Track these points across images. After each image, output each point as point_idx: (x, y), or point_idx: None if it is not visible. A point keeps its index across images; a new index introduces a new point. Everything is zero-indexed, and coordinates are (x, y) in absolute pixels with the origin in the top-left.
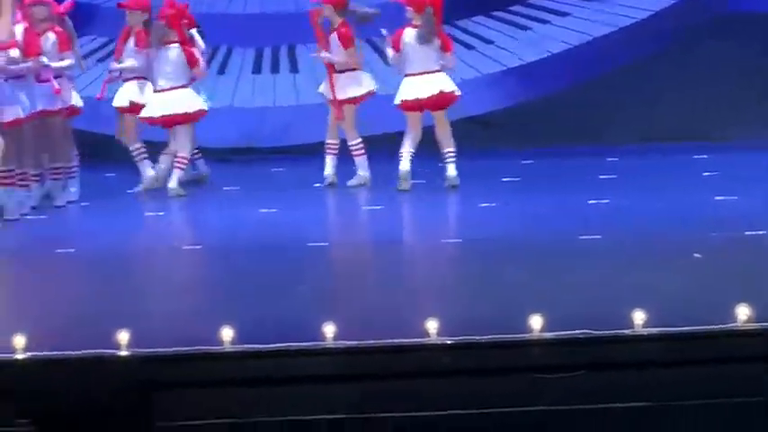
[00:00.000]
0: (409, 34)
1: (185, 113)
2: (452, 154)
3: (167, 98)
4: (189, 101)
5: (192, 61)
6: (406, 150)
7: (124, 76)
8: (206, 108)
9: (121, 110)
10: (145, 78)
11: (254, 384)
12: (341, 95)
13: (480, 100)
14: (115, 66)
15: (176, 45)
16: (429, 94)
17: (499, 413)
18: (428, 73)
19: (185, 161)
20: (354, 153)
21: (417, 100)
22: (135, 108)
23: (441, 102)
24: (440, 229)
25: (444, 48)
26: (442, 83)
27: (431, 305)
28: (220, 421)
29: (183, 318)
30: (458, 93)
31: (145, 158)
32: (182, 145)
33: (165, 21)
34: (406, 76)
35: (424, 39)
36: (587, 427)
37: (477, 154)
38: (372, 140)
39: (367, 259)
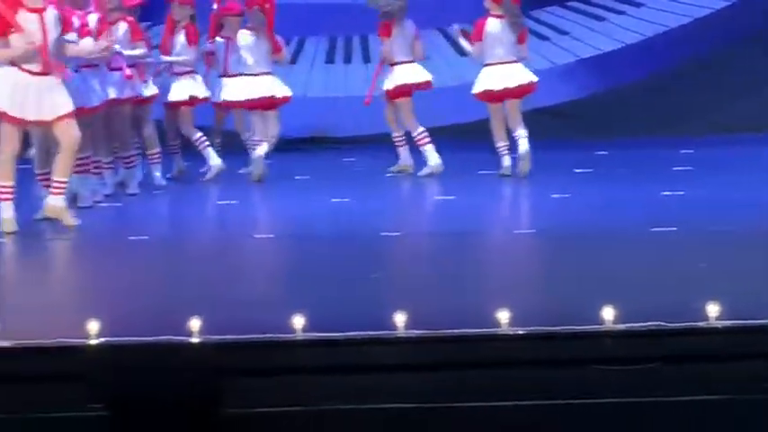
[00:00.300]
0: (492, 24)
1: (272, 97)
2: (526, 135)
3: (254, 83)
4: (277, 86)
5: (276, 48)
6: (502, 141)
7: (174, 70)
8: (290, 95)
9: (180, 104)
10: (196, 72)
11: (325, 373)
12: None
13: (554, 91)
14: (166, 59)
15: (262, 32)
16: (510, 85)
17: (569, 405)
18: (507, 63)
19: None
20: (420, 143)
21: (497, 90)
22: (193, 101)
23: (520, 92)
24: (513, 219)
25: (520, 39)
26: (521, 73)
27: (503, 296)
28: (290, 409)
29: (255, 305)
30: (536, 82)
31: (208, 146)
32: (271, 129)
33: (260, 9)
34: (486, 65)
35: (514, 28)
36: (659, 420)
37: (551, 145)
38: (446, 130)
39: (439, 249)
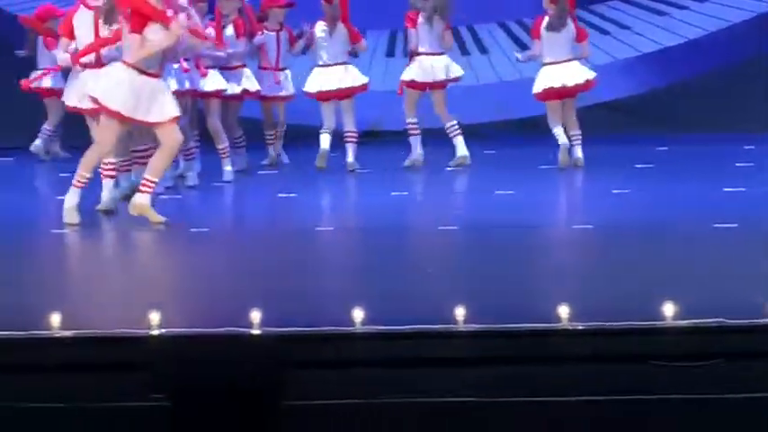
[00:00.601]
0: (548, 23)
1: (352, 87)
2: (579, 136)
3: (333, 73)
4: (356, 76)
5: (355, 37)
6: (562, 136)
7: (223, 64)
8: (367, 83)
9: (231, 98)
10: (245, 65)
11: (383, 366)
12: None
13: (615, 85)
14: (221, 54)
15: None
16: (567, 83)
17: (627, 401)
18: (565, 62)
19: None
20: (451, 134)
21: (556, 88)
22: (244, 95)
23: (575, 90)
24: (572, 214)
25: (579, 38)
26: (578, 71)
27: (562, 290)
28: (348, 401)
29: (315, 298)
30: (593, 79)
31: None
32: (353, 120)
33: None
34: (545, 65)
35: (552, 26)
36: (719, 417)
37: (611, 140)
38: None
39: (498, 243)
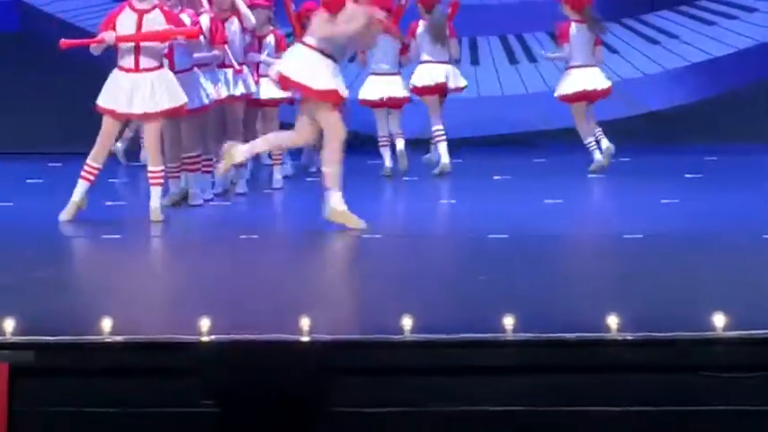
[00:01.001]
0: (573, 29)
1: (404, 97)
2: (601, 133)
3: (385, 82)
4: (402, 86)
5: (403, 48)
6: (589, 140)
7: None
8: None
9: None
10: None
11: (432, 374)
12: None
13: (664, 95)
14: (263, 59)
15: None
16: (588, 88)
17: (677, 411)
18: (587, 66)
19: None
20: (436, 140)
21: (580, 92)
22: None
23: (595, 96)
24: (621, 223)
25: (595, 42)
26: (598, 78)
27: (611, 300)
28: (396, 409)
29: (364, 305)
30: (609, 87)
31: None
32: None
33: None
34: (567, 68)
35: (594, 32)
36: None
37: (660, 149)
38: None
39: (547, 252)
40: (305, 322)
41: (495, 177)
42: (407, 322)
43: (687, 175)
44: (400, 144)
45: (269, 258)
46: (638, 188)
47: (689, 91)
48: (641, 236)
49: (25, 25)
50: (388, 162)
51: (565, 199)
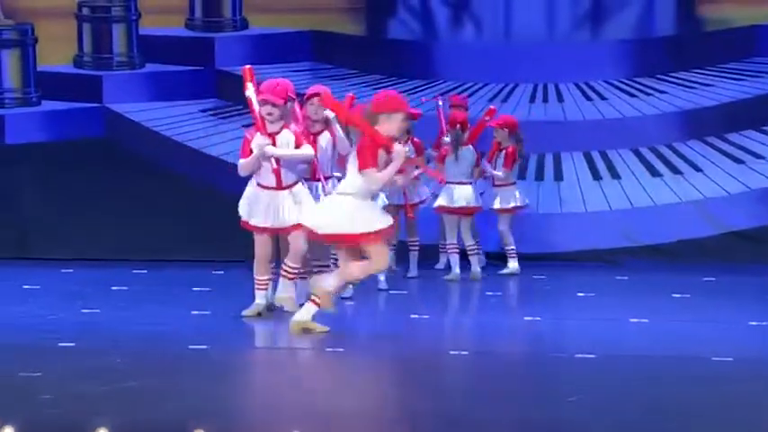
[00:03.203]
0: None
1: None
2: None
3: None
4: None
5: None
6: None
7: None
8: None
9: None
10: None
11: None
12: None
13: (748, 214)
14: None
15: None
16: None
17: None
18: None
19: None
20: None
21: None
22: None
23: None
24: (709, 345)
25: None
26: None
27: (704, 425)
28: None
29: (454, 424)
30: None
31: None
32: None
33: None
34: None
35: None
36: None
37: (748, 269)
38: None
39: (634, 373)
40: None
41: (579, 294)
42: None
43: None
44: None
45: (350, 373)
46: (725, 309)
47: None
48: (731, 359)
49: (110, 131)
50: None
51: (651, 319)
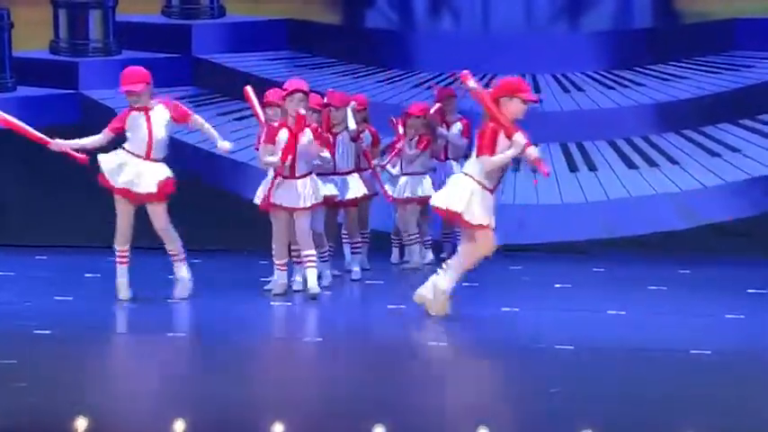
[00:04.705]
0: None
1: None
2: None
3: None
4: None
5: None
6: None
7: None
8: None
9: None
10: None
11: None
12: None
13: (724, 207)
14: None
15: None
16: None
17: None
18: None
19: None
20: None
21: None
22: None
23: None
24: (686, 338)
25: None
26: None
27: (685, 416)
28: None
29: (437, 412)
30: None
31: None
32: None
33: None
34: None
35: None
36: None
37: (721, 262)
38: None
39: (614, 365)
40: (380, 430)
41: (557, 285)
42: None
43: (750, 290)
44: None
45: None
46: (702, 302)
47: (751, 203)
48: (709, 351)
49: (86, 118)
50: None
51: (628, 311)
